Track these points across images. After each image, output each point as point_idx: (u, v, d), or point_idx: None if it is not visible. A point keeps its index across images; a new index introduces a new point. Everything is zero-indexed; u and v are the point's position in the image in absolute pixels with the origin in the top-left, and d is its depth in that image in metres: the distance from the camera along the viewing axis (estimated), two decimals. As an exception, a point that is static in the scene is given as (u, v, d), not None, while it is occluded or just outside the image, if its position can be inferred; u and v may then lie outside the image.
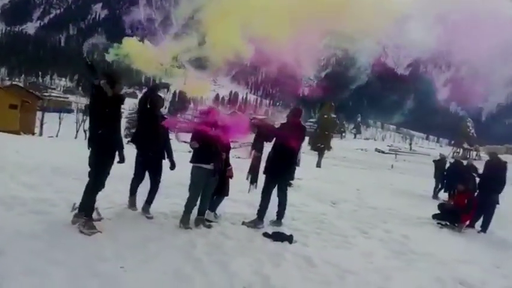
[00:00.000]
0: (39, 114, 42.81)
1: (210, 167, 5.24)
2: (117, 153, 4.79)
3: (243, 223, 5.67)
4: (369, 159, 53.59)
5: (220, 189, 5.71)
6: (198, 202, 5.36)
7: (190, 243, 4.55)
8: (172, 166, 5.70)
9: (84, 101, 74.91)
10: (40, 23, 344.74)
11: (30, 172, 7.92)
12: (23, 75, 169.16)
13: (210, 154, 5.20)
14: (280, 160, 5.60)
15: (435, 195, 12.80)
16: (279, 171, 5.68)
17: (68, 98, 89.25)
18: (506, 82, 5.74)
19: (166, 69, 5.30)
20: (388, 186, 14.56)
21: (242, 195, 7.75)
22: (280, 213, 5.85)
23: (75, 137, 45.68)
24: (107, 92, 4.57)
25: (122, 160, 4.84)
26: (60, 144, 21.22)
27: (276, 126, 5.78)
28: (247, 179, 5.86)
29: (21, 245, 3.73)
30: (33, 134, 37.50)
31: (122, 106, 5.01)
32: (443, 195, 12.42)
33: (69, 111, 71.52)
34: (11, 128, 30.71)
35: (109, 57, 4.97)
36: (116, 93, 4.66)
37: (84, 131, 49.89)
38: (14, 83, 65.15)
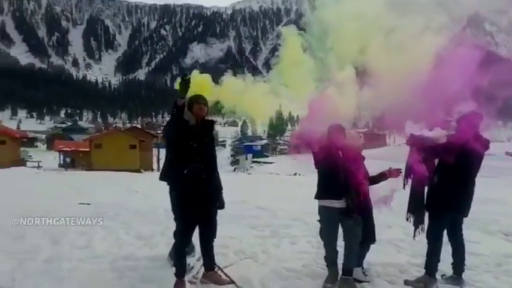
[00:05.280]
0: (155, 151, 46.24)
1: (339, 204, 3.91)
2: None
3: (406, 282, 4.10)
4: (499, 164, 44.82)
5: (365, 234, 4.14)
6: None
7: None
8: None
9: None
10: (148, 69, 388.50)
11: (144, 217, 7.45)
12: (139, 117, 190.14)
13: (339, 187, 3.87)
14: (453, 188, 3.93)
15: None
16: (451, 205, 3.99)
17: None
18: None
19: None
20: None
21: (383, 230, 6.19)
22: (459, 265, 4.12)
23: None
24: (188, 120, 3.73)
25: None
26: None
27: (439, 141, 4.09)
28: (407, 219, 4.28)
29: None
30: (152, 170, 40.37)
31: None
32: None
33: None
34: (133, 167, 33.46)
35: None
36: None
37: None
38: (133, 125, 72.77)
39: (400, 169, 4.23)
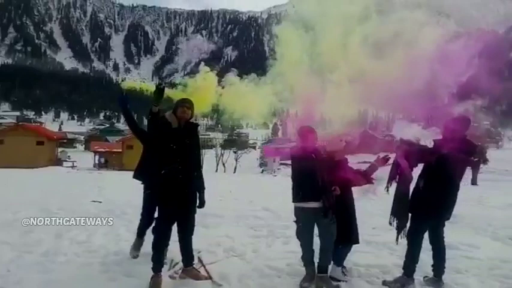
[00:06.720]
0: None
1: (316, 205, 3.92)
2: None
3: (384, 283, 4.05)
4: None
5: (346, 235, 4.16)
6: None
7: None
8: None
9: (220, 136, 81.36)
10: (184, 72, 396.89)
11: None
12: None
13: (315, 188, 3.90)
14: (434, 191, 3.85)
15: None
16: (433, 208, 3.90)
17: (209, 135, 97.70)
18: None
19: None
20: None
21: (376, 233, 6.07)
22: (439, 268, 4.01)
23: (216, 170, 48.83)
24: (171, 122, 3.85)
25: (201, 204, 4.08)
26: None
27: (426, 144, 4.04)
28: (390, 223, 4.20)
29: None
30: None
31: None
32: None
33: (211, 146, 77.87)
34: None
35: None
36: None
37: (223, 164, 53.36)
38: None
39: (387, 155, 4.23)
